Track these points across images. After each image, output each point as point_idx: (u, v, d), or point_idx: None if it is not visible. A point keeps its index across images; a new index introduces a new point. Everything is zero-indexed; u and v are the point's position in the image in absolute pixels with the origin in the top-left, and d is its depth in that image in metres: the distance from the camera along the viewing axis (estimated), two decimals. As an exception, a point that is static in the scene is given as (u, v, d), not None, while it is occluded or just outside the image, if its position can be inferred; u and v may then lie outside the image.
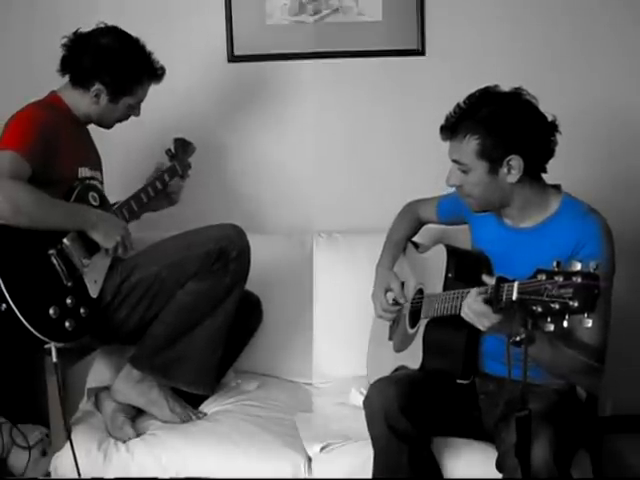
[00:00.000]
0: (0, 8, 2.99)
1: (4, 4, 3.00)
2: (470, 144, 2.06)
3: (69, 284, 2.26)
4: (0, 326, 2.13)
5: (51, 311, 2.18)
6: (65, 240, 2.27)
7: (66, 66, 2.43)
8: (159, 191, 2.63)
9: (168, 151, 2.71)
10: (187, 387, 2.48)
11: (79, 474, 2.25)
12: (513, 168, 2.05)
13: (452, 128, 2.10)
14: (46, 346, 2.20)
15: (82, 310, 2.27)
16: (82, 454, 2.30)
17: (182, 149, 2.73)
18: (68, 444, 2.31)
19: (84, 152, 2.51)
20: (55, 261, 2.24)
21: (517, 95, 2.09)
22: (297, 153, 3.07)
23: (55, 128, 2.35)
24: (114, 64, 2.41)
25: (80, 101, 2.44)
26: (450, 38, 2.99)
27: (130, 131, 2.83)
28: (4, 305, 2.10)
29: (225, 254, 2.39)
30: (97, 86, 2.40)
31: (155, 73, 2.51)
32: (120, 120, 2.55)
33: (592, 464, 2.22)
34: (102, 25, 2.44)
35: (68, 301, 2.24)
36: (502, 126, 2.04)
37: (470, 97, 2.10)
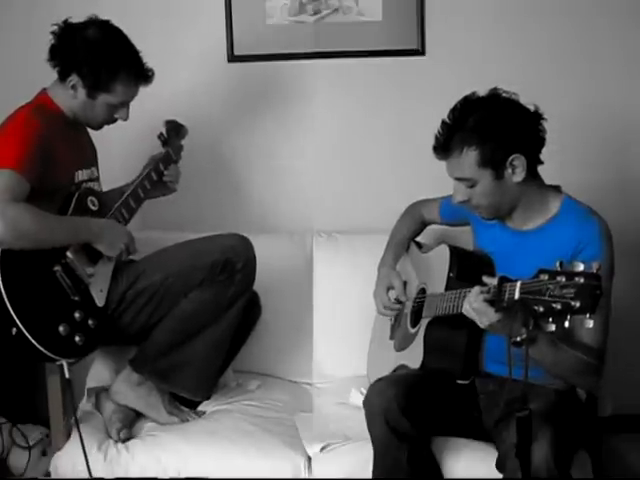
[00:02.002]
0: (0, 8, 2.99)
1: (4, 4, 3.00)
2: (469, 156, 2.05)
3: (76, 298, 2.25)
4: (12, 348, 2.12)
5: (61, 329, 2.16)
6: (68, 253, 2.25)
7: (52, 55, 2.37)
8: (155, 182, 2.60)
9: (160, 135, 2.66)
10: (186, 393, 2.48)
11: (90, 473, 2.24)
12: (517, 167, 2.06)
13: (445, 146, 2.09)
14: (57, 363, 2.19)
15: (90, 322, 2.25)
16: (82, 454, 2.27)
17: (174, 132, 2.68)
18: (68, 444, 2.33)
19: (79, 154, 2.47)
20: (61, 277, 2.22)
21: (496, 96, 2.09)
22: (297, 153, 3.07)
23: (49, 136, 2.29)
24: (91, 55, 2.31)
25: (65, 97, 2.38)
26: (450, 38, 2.99)
27: (129, 131, 2.83)
28: (14, 329, 2.08)
29: (231, 265, 2.37)
30: (74, 77, 2.33)
31: (140, 73, 2.40)
32: (107, 122, 2.46)
33: (592, 464, 2.22)
34: (94, 17, 2.38)
35: (76, 315, 2.22)
36: (494, 129, 2.04)
37: (453, 111, 2.10)
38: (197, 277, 2.37)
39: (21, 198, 2.16)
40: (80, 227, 2.31)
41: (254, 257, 2.43)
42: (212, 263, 2.36)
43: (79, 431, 2.25)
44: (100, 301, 2.31)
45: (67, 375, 2.20)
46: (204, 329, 2.42)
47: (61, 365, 2.20)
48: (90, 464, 2.24)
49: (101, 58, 2.32)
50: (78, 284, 2.26)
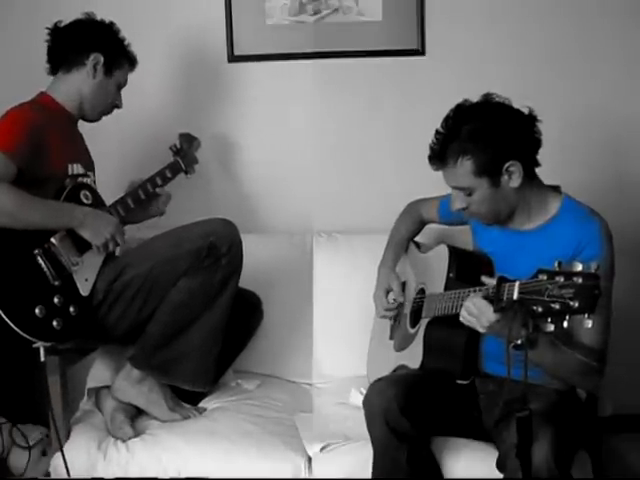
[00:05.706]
0: (0, 8, 2.99)
1: (4, 4, 3.00)
2: (464, 166, 2.05)
3: (56, 283, 2.25)
4: None
5: (37, 310, 2.17)
6: (53, 239, 2.26)
7: (56, 54, 2.44)
8: (158, 187, 2.61)
9: (173, 146, 2.72)
10: (187, 385, 2.48)
11: (68, 473, 2.25)
12: (513, 173, 2.05)
13: (440, 157, 2.08)
14: (34, 345, 2.19)
15: (71, 309, 2.26)
16: (82, 454, 2.30)
17: (187, 144, 2.73)
18: (68, 444, 2.33)
19: (75, 150, 2.49)
20: (41, 260, 2.23)
21: (488, 102, 2.09)
22: (297, 153, 3.07)
23: (43, 126, 2.33)
24: (111, 32, 2.46)
25: (72, 87, 2.44)
26: (450, 38, 2.99)
27: (129, 131, 2.84)
28: None
29: (215, 249, 2.37)
30: (96, 55, 2.42)
31: (133, 57, 2.53)
32: (111, 107, 2.53)
33: (592, 464, 2.22)
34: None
35: (55, 300, 2.23)
36: (489, 137, 2.03)
37: (446, 120, 2.09)
38: (183, 265, 2.37)
39: (6, 179, 2.20)
40: (63, 211, 2.32)
41: (239, 240, 2.42)
42: (197, 249, 2.36)
43: (54, 424, 2.28)
44: (84, 290, 2.32)
45: (42, 358, 2.20)
46: (197, 318, 2.42)
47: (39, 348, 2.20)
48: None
49: (115, 35, 2.47)
50: (60, 270, 2.27)
